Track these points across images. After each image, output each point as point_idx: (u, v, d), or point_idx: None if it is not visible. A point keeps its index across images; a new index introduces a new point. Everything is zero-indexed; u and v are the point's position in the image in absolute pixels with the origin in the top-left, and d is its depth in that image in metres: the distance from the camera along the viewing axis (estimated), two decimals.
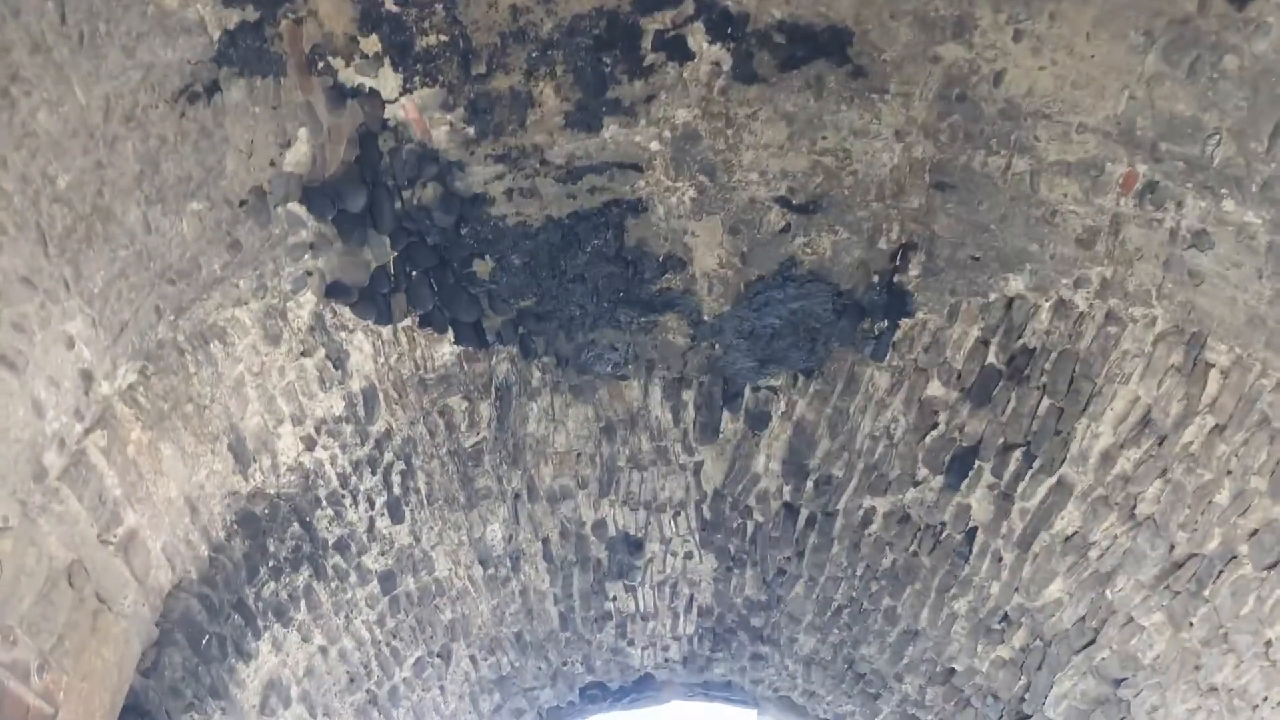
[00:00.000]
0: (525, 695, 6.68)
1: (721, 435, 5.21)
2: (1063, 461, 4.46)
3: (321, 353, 3.96)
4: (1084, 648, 4.87)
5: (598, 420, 5.09)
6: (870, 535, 5.42)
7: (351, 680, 5.20)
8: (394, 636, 5.33)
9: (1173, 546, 4.18)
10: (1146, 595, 4.38)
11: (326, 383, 4.05)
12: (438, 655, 5.75)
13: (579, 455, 5.27)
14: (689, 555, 6.00)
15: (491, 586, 5.68)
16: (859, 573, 5.67)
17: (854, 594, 5.83)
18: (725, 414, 5.08)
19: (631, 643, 6.69)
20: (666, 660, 6.94)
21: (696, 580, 6.20)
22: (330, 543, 4.58)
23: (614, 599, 6.27)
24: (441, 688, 5.97)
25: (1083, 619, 4.81)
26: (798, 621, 6.23)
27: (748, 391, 4.94)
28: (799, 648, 6.43)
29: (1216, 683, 4.15)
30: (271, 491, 4.12)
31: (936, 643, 5.71)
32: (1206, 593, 4.09)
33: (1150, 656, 4.50)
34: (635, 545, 5.89)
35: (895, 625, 5.82)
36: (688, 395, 5.02)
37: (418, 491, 4.86)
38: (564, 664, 6.65)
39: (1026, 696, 5.42)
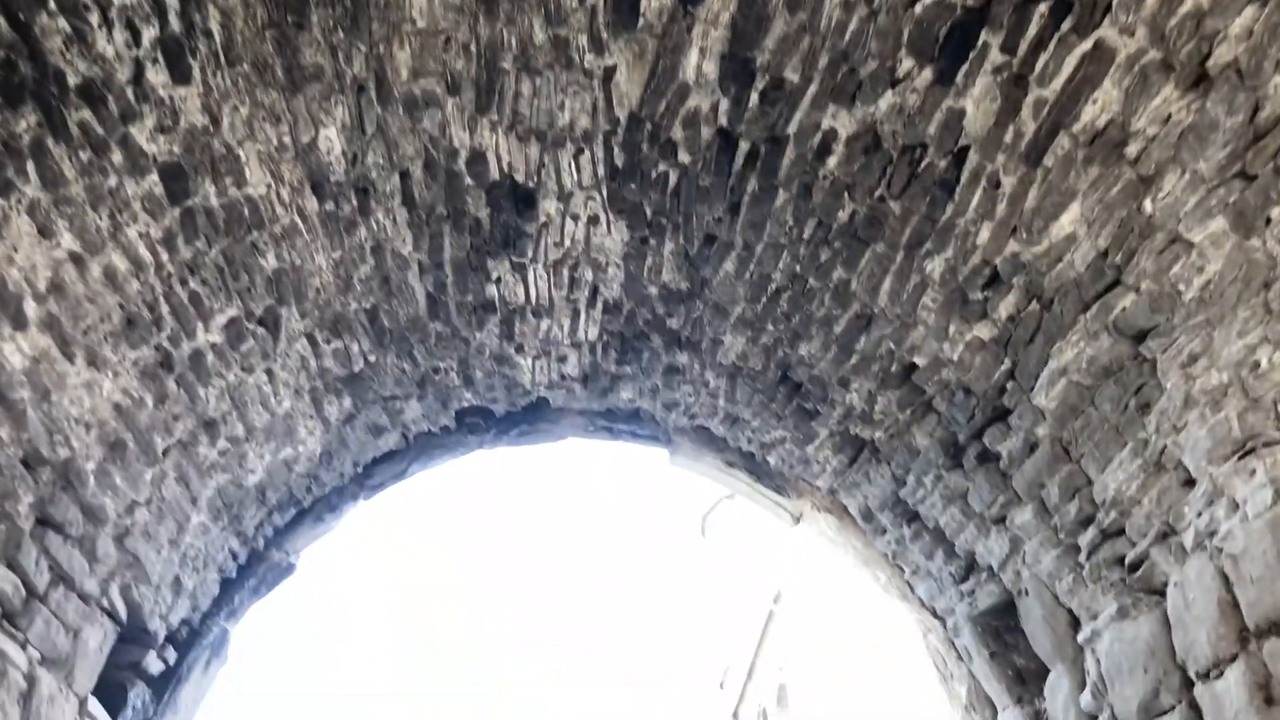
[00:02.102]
0: (385, 407, 5.41)
1: (642, 20, 3.87)
2: (1106, 10, 3.23)
3: None
4: (1099, 296, 3.74)
5: None
6: (826, 176, 4.19)
7: (131, 324, 3.86)
8: (192, 273, 3.98)
9: (1259, 105, 3.00)
10: (1205, 194, 3.23)
11: None
12: (260, 321, 4.42)
13: (447, 39, 3.89)
14: (594, 220, 4.73)
15: (331, 230, 4.34)
16: (807, 235, 4.46)
17: (798, 268, 4.63)
18: None
19: (520, 349, 5.45)
20: (563, 377, 5.74)
21: (602, 261, 4.95)
22: (73, 83, 3.17)
23: (498, 281, 4.99)
24: (269, 373, 4.66)
25: (1102, 255, 3.66)
26: (725, 315, 5.04)
27: None
28: (724, 353, 5.26)
29: None
30: None
31: (897, 329, 4.57)
32: None
33: (1196, 286, 3.38)
34: (525, 199, 4.59)
35: (846, 308, 4.66)
36: None
37: (209, 37, 3.44)
38: (435, 369, 5.39)
39: (1008, 385, 4.33)
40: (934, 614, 5.40)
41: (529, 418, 5.96)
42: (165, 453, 4.37)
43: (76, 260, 3.50)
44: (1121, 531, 3.99)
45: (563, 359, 5.56)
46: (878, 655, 18.28)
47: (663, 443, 6.07)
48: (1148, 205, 3.42)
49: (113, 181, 3.47)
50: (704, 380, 5.49)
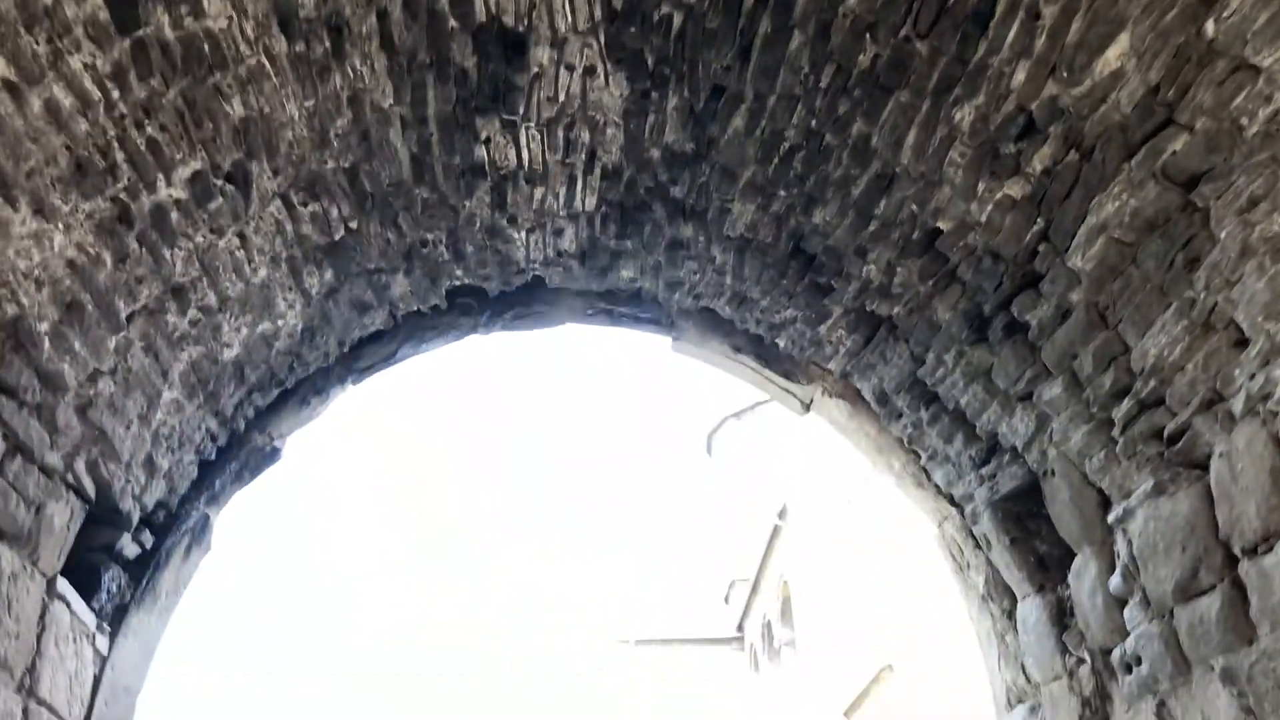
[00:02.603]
0: (370, 281, 5.08)
1: None
2: None
3: None
4: (1147, 139, 3.38)
5: None
6: (846, 13, 3.79)
7: (81, 169, 3.51)
8: (148, 116, 3.62)
9: None
10: (1279, 9, 2.85)
11: None
12: (228, 177, 4.07)
13: None
14: (590, 71, 4.34)
15: (302, 74, 3.97)
16: (824, 83, 4.08)
17: (813, 123, 4.26)
18: None
19: (513, 220, 5.11)
20: (560, 254, 5.40)
21: (600, 120, 4.57)
22: None
23: (487, 141, 4.62)
24: (242, 236, 4.33)
25: (1153, 91, 3.29)
26: (733, 180, 4.68)
27: None
28: (732, 224, 4.91)
29: None
30: None
31: (920, 189, 4.22)
32: None
33: (1262, 119, 3.01)
34: (515, 46, 4.20)
35: (865, 168, 4.30)
36: None
37: None
38: (422, 241, 5.05)
39: (1040, 248, 3.99)
40: (951, 501, 5.13)
41: (524, 299, 5.63)
42: (129, 319, 4.06)
43: (12, 90, 3.15)
44: (1161, 401, 3.68)
45: (559, 232, 5.22)
46: (885, 551, 18.21)
47: (665, 327, 5.75)
48: (1209, 28, 3.04)
49: (48, 0, 3.10)
50: (710, 255, 5.15)
